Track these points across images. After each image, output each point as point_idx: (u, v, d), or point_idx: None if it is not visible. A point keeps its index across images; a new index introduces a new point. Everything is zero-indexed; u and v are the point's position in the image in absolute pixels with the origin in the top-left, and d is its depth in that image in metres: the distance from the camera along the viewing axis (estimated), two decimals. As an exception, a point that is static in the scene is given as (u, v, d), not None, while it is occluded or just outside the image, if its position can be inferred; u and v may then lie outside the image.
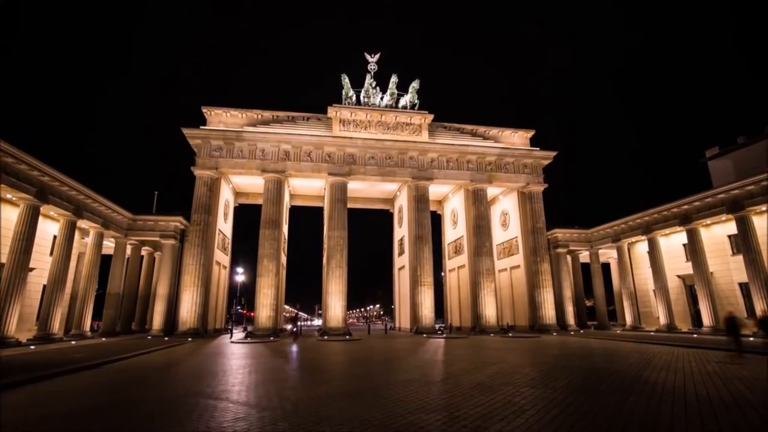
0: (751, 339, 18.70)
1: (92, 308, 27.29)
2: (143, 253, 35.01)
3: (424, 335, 28.75)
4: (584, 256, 40.22)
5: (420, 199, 33.57)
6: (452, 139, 35.11)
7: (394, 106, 35.20)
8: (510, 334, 28.76)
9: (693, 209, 27.52)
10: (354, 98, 34.65)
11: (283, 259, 38.53)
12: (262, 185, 31.97)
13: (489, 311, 31.80)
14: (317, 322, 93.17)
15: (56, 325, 22.45)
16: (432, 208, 42.15)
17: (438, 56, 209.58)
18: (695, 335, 24.70)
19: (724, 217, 25.92)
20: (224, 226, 34.70)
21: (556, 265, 35.79)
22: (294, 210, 44.01)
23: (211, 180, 31.13)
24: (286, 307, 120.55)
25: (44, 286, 23.35)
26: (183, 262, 29.67)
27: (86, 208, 24.63)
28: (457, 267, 38.99)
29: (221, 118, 32.83)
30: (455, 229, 39.59)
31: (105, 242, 30.97)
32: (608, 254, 40.26)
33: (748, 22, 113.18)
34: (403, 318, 39.34)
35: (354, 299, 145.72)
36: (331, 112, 33.72)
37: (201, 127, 31.60)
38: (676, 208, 28.66)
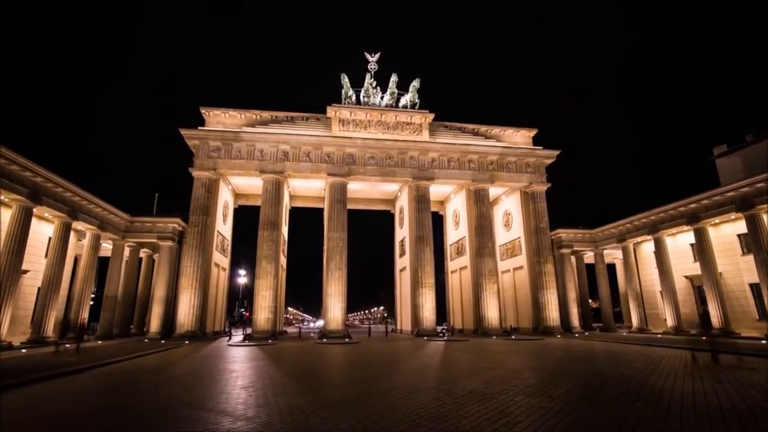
0: (763, 342, 18.02)
1: (88, 311, 26.97)
2: (142, 255, 34.78)
3: (425, 338, 28.19)
4: (589, 257, 39.46)
5: (421, 200, 33.06)
6: (453, 139, 34.58)
7: (394, 106, 34.77)
8: (513, 337, 28.12)
9: (701, 208, 26.78)
10: (354, 98, 34.27)
11: (283, 260, 38.13)
12: (262, 186, 31.63)
13: (491, 313, 31.19)
14: (321, 323, 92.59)
15: (50, 327, 22.16)
16: (434, 208, 41.60)
17: (438, 56, 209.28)
18: (704, 338, 23.90)
19: (733, 215, 25.17)
20: (223, 227, 34.37)
21: (559, 265, 35.10)
22: (297, 211, 43.70)
23: (210, 181, 30.83)
24: (290, 309, 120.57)
25: (39, 288, 23.05)
26: (181, 264, 29.33)
27: (81, 209, 24.37)
28: (459, 268, 38.39)
29: (220, 119, 32.56)
30: (457, 230, 39.01)
31: (103, 244, 30.83)
32: (613, 255, 39.48)
33: (748, 22, 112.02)
34: (404, 320, 38.79)
35: (358, 301, 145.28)
36: (331, 111, 33.35)
37: (199, 127, 31.34)
38: (683, 207, 27.92)
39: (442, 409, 6.52)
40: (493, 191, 36.65)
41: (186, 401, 7.71)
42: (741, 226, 25.43)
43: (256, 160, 31.34)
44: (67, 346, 17.95)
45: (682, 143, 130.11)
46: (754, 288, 25.54)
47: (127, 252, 31.94)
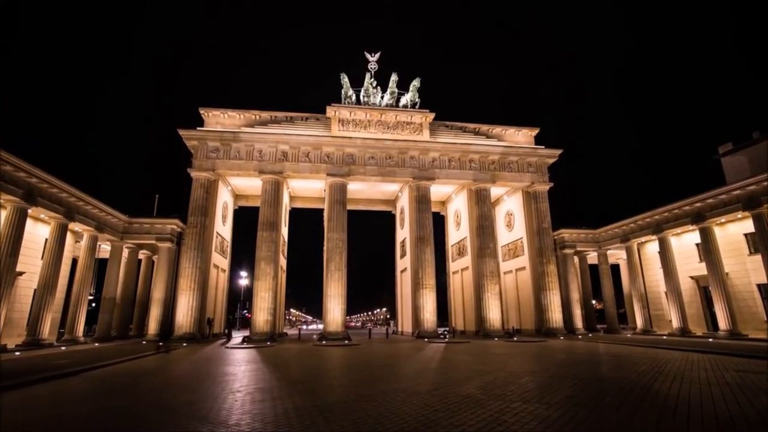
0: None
1: (85, 313, 26.75)
2: (141, 256, 34.60)
3: (425, 340, 27.79)
4: (592, 257, 38.93)
5: (421, 200, 32.69)
6: (454, 138, 34.22)
7: (394, 106, 34.46)
8: (515, 339, 27.67)
9: (706, 207, 26.25)
10: (354, 98, 33.99)
11: (283, 262, 37.85)
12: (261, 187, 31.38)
13: (493, 314, 30.76)
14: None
15: (46, 330, 21.94)
16: (435, 209, 41.26)
17: (439, 56, 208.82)
18: (711, 339, 23.42)
19: (740, 214, 24.64)
20: (223, 228, 34.15)
21: (562, 266, 34.61)
22: (299, 213, 43.47)
23: (208, 182, 30.62)
24: (293, 311, 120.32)
25: (35, 290, 22.84)
26: (179, 265, 29.09)
27: (78, 210, 24.17)
28: (460, 269, 37.96)
29: (219, 119, 32.37)
30: (458, 231, 38.60)
31: (102, 246, 30.66)
32: (617, 255, 38.93)
33: (748, 22, 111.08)
34: (405, 322, 38.38)
35: (361, 303, 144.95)
36: (330, 111, 33.08)
37: (198, 128, 31.15)
38: (688, 206, 27.39)
39: (433, 417, 6.16)
40: (495, 191, 36.24)
41: (165, 406, 7.39)
42: (748, 225, 24.90)
43: (255, 160, 31.10)
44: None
45: (682, 143, 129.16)
46: (762, 288, 25.02)
47: (125, 253, 31.75)
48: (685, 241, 30.52)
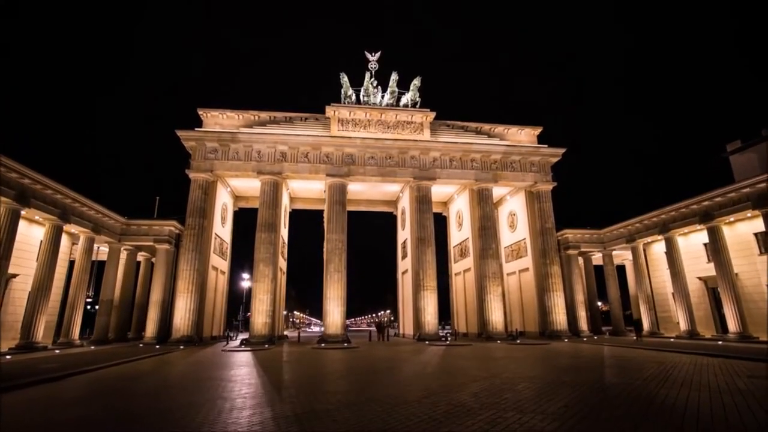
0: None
1: (82, 315, 26.49)
2: (140, 258, 34.36)
3: (426, 342, 27.24)
4: (597, 258, 38.18)
5: (422, 200, 32.20)
6: (455, 138, 33.71)
7: (395, 105, 34.05)
8: (518, 341, 27.03)
9: (714, 205, 25.53)
10: (354, 97, 33.62)
11: (283, 264, 37.49)
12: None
13: (496, 317, 30.17)
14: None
15: (40, 333, 21.66)
16: (437, 209, 40.79)
17: (439, 56, 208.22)
18: (720, 342, 22.68)
19: (749, 213, 23.91)
20: (222, 230, 33.84)
21: (566, 267, 33.94)
22: (302, 214, 43.11)
23: (207, 183, 30.34)
24: (296, 312, 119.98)
25: (30, 293, 22.59)
26: (178, 267, 28.78)
27: (74, 212, 23.92)
28: (462, 270, 37.37)
29: (217, 120, 32.12)
30: (460, 231, 38.03)
31: (101, 248, 30.44)
32: (623, 256, 38.15)
33: (748, 22, 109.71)
34: (407, 324, 37.84)
35: (365, 305, 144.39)
36: (330, 111, 32.72)
37: (196, 128, 30.91)
38: (695, 205, 26.68)
39: (420, 426, 5.67)
40: (498, 191, 35.69)
41: (136, 414, 6.96)
42: (758, 224, 24.17)
43: (254, 161, 30.80)
44: None
45: (682, 143, 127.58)
46: (773, 289, 24.22)
47: (124, 255, 31.51)
48: (692, 241, 29.76)
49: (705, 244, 28.12)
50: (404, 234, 38.50)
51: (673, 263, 28.90)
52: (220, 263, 33.83)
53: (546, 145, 34.19)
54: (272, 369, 14.13)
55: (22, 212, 20.43)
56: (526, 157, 33.64)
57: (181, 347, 24.21)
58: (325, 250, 30.89)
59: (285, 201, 36.05)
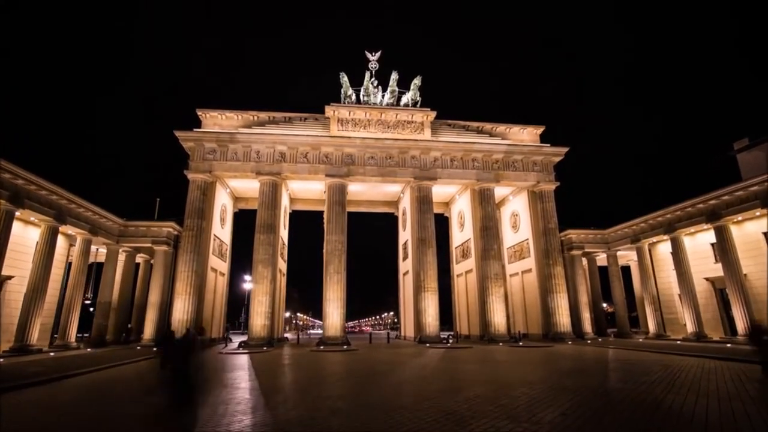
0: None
1: (78, 317, 26.26)
2: (139, 260, 34.14)
3: (427, 345, 26.77)
4: (601, 259, 37.53)
5: (423, 200, 31.77)
6: (456, 137, 33.27)
7: (395, 104, 33.67)
8: (520, 344, 26.50)
9: (722, 204, 24.92)
10: (354, 97, 33.29)
11: (282, 265, 37.14)
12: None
13: (498, 318, 29.63)
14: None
15: (35, 335, 21.42)
16: (439, 210, 40.32)
17: (439, 55, 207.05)
18: (729, 345, 22.06)
19: (758, 212, 23.29)
20: (221, 231, 33.58)
21: (570, 268, 33.37)
22: (304, 215, 42.76)
23: (205, 183, 30.08)
24: (299, 314, 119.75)
25: (24, 295, 22.37)
26: (176, 269, 28.51)
27: (70, 213, 23.71)
28: (464, 272, 36.85)
29: (216, 120, 31.89)
30: (462, 232, 37.54)
31: (99, 250, 30.27)
32: (627, 256, 37.50)
33: (748, 22, 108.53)
34: (408, 326, 37.35)
35: (368, 306, 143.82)
36: (329, 111, 32.41)
37: (194, 129, 30.69)
38: (702, 204, 26.07)
39: (403, 439, 5.28)
40: (500, 191, 35.20)
41: (110, 417, 6.61)
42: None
43: (252, 161, 30.51)
44: None
45: (682, 143, 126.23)
46: (783, 290, 23.54)
47: (122, 257, 31.30)
48: (699, 241, 29.12)
49: (712, 244, 27.48)
50: (405, 235, 38.08)
51: (680, 264, 28.28)
52: (219, 265, 33.56)
53: (548, 145, 33.66)
54: (266, 372, 13.77)
55: (17, 213, 20.20)
56: (528, 156, 33.14)
57: (179, 350, 23.85)
58: (324, 251, 30.53)
59: (285, 202, 35.75)
